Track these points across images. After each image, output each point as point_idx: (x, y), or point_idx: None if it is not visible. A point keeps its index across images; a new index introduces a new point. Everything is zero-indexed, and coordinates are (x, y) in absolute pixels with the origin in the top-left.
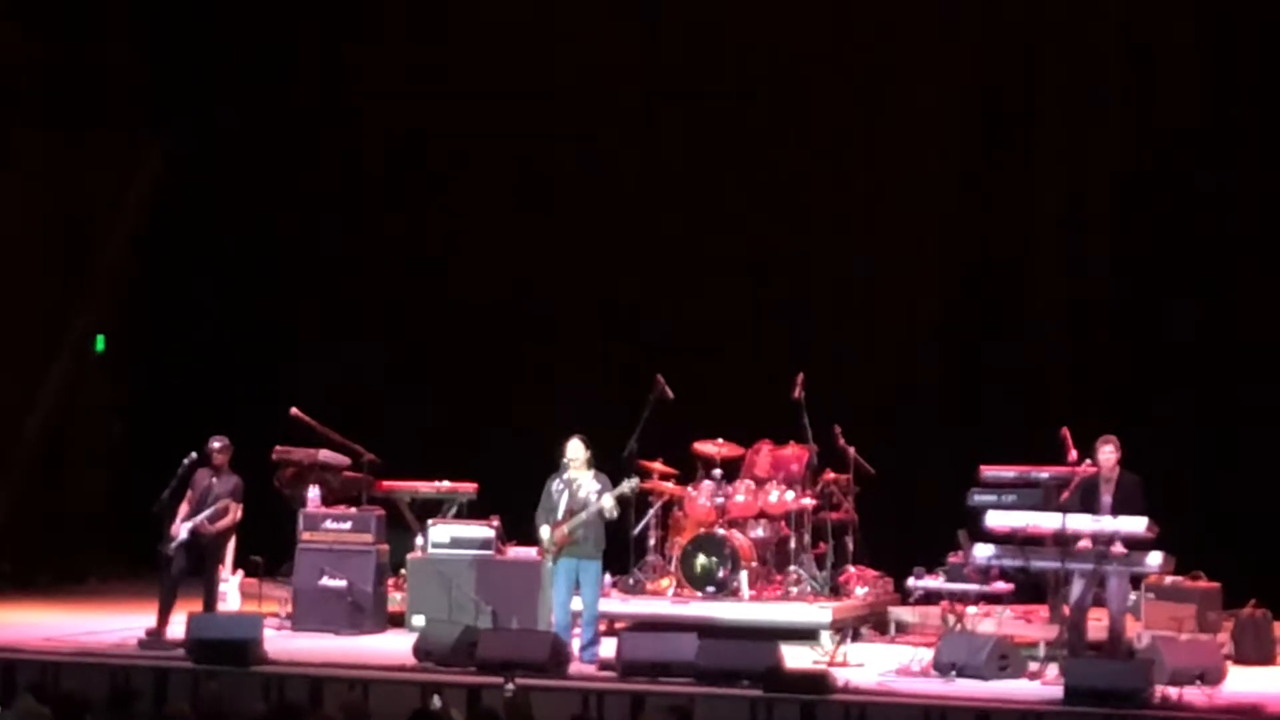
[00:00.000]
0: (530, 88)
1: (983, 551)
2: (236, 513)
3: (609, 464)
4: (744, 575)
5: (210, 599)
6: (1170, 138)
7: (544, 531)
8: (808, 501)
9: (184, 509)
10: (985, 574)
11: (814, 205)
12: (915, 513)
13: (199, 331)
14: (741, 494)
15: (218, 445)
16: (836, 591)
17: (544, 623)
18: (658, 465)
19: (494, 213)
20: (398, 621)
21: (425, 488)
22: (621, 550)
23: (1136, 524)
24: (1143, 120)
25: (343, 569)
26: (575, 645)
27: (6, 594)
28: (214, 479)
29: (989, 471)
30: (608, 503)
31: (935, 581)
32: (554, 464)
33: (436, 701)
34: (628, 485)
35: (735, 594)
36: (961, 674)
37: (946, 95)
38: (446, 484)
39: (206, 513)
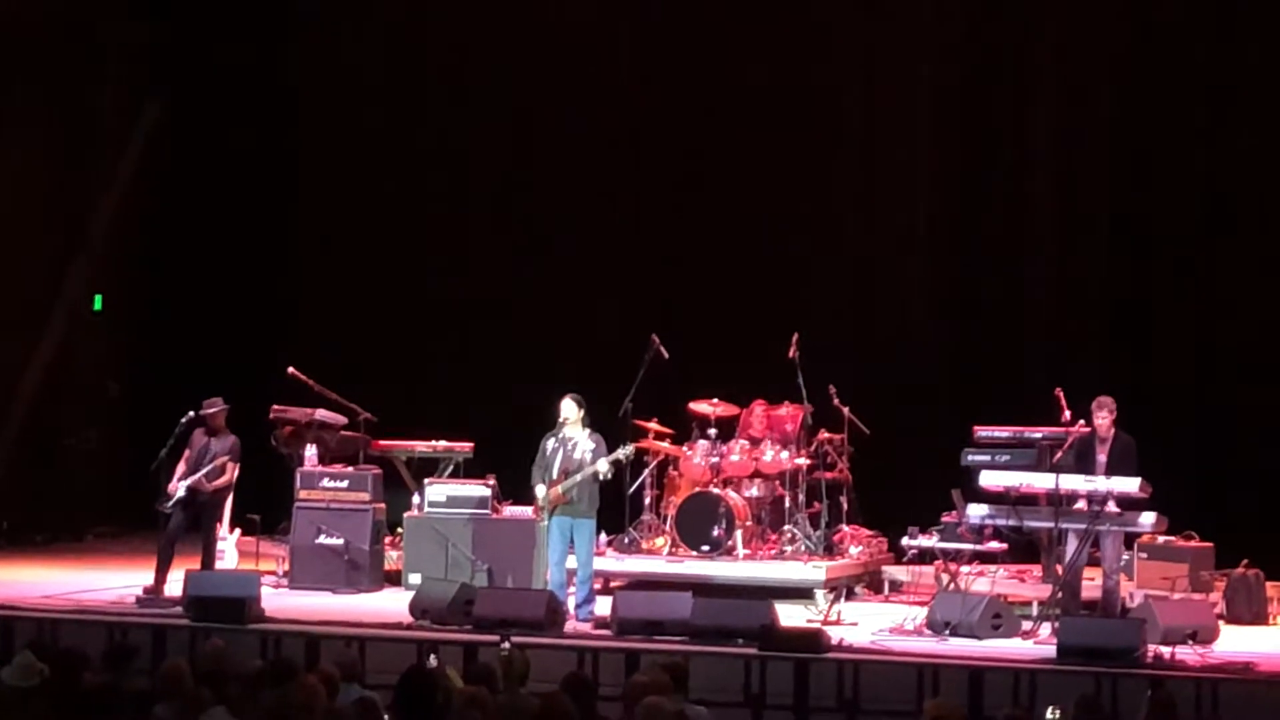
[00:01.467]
0: (526, 51)
1: (977, 511)
2: (234, 471)
3: (605, 423)
4: (739, 534)
5: (208, 557)
6: (1167, 91)
7: (539, 490)
8: (802, 461)
9: (181, 468)
10: (979, 533)
11: (809, 165)
12: (909, 472)
13: (196, 290)
14: (736, 453)
15: (213, 409)
16: (831, 550)
17: (540, 581)
18: (653, 425)
19: (493, 170)
20: (394, 580)
21: (422, 446)
22: (617, 509)
23: (1130, 484)
24: (1141, 75)
25: (339, 527)
26: (570, 603)
27: (4, 552)
28: (211, 438)
29: (983, 431)
30: (603, 466)
31: (929, 541)
32: (550, 423)
33: (433, 660)
34: (623, 452)
35: (730, 553)
36: (955, 633)
37: (941, 56)
38: (443, 443)
39: (204, 470)
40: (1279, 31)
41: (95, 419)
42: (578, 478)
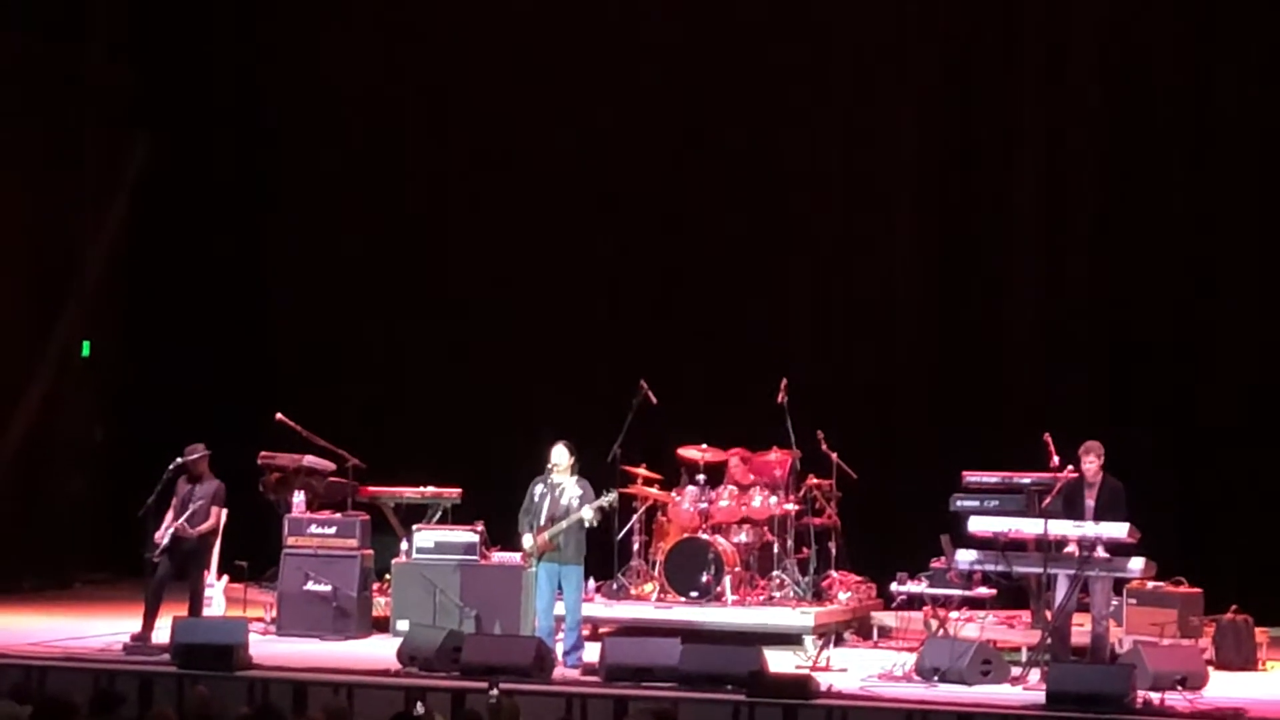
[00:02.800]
0: (505, 85)
1: (965, 556)
2: (219, 516)
3: (593, 469)
4: (727, 580)
5: (195, 604)
6: (1149, 140)
7: (526, 538)
8: (791, 507)
9: (168, 516)
10: (968, 579)
11: (796, 211)
12: (898, 518)
13: (183, 336)
14: (725, 499)
15: (194, 455)
16: (819, 596)
17: (528, 628)
18: (641, 470)
19: (479, 216)
20: (382, 626)
21: (410, 493)
22: (605, 555)
23: (1119, 529)
24: (1125, 117)
25: (327, 574)
26: (559, 650)
27: None
28: (194, 484)
29: (972, 477)
30: (587, 514)
31: (918, 586)
32: (538, 468)
33: (420, 707)
34: (606, 499)
35: (719, 599)
36: (944, 679)
37: (924, 99)
38: (431, 489)
39: (185, 516)
40: (1263, 69)
41: (82, 465)
42: (563, 524)
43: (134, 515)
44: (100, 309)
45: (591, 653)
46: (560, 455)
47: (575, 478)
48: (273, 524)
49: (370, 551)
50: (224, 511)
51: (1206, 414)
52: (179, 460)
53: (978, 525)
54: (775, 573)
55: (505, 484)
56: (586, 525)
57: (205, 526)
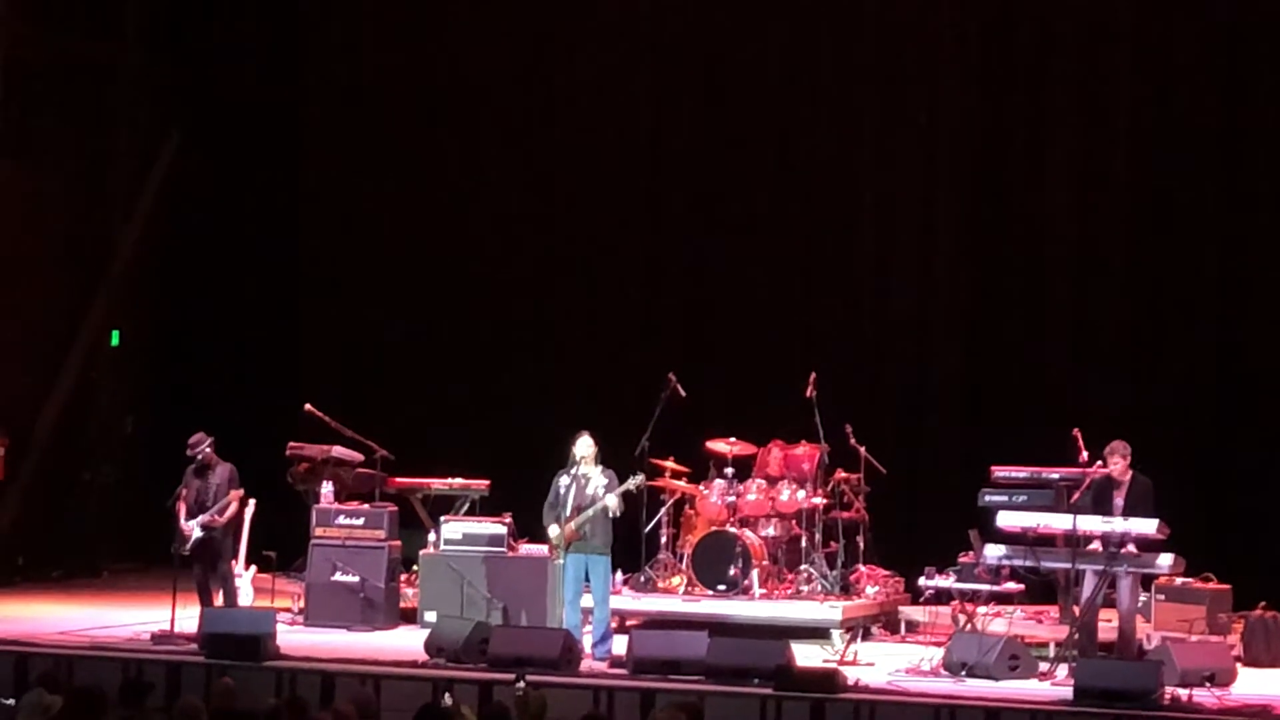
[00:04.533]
0: (539, 83)
1: (994, 551)
2: (239, 499)
3: (621, 462)
4: (755, 574)
5: (228, 593)
6: (1181, 140)
7: (552, 530)
8: (819, 500)
9: (181, 508)
10: (996, 574)
11: (826, 204)
12: (926, 512)
13: (213, 325)
14: (753, 492)
15: (202, 446)
16: (847, 590)
17: (555, 620)
18: (669, 463)
19: (507, 209)
20: (410, 618)
21: (438, 484)
22: (633, 548)
23: (1147, 525)
24: (1155, 121)
25: (355, 565)
26: (586, 642)
27: (21, 587)
28: (208, 473)
29: (1001, 471)
30: (611, 501)
31: (946, 581)
32: (565, 461)
33: (448, 699)
34: (632, 482)
35: (746, 592)
36: (972, 674)
37: (958, 103)
38: (459, 481)
39: (215, 508)
40: None
41: (112, 454)
42: (589, 512)
43: (163, 505)
44: (130, 299)
45: (619, 645)
46: (584, 447)
47: (600, 467)
48: (301, 514)
49: (398, 543)
50: (252, 502)
51: (1237, 411)
52: (205, 449)
53: (1006, 520)
54: (803, 566)
55: (533, 476)
56: (611, 514)
57: (231, 512)
